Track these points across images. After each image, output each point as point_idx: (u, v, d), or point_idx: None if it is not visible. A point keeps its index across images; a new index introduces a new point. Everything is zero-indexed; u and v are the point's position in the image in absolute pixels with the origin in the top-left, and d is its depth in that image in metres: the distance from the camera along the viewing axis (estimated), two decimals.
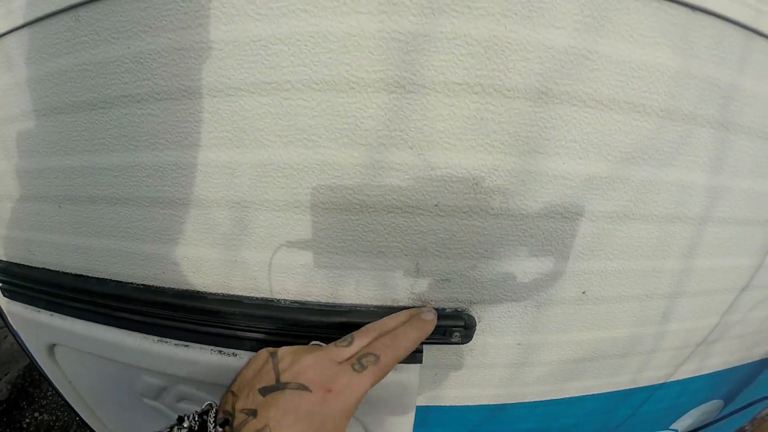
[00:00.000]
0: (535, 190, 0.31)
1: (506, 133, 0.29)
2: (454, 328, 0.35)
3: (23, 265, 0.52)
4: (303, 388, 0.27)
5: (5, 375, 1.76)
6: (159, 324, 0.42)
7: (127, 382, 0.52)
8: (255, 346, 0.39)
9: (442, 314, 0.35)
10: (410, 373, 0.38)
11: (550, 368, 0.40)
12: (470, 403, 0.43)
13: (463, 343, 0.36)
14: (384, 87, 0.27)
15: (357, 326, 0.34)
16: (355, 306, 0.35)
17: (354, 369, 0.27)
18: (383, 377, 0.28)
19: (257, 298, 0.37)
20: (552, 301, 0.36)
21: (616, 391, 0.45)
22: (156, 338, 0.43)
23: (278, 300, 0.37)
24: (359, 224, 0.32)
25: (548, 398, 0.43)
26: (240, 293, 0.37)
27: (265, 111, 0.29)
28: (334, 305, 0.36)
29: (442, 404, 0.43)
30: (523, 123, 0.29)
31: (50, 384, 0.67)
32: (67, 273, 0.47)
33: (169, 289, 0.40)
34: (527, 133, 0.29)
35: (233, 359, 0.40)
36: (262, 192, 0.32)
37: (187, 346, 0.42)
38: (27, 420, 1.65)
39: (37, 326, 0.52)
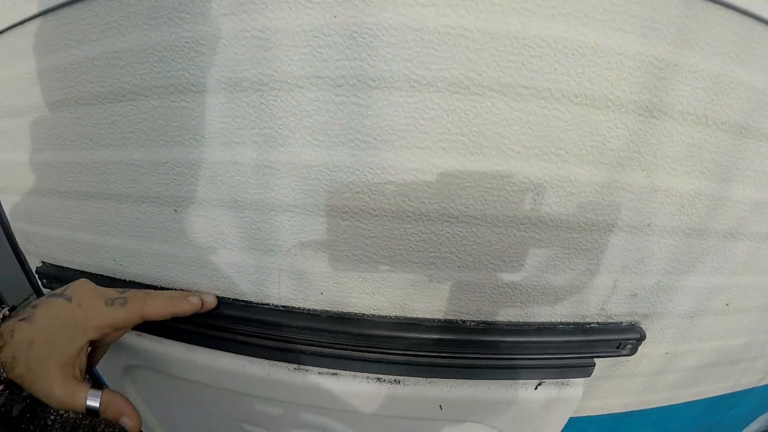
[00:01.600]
0: (721, 214, 0.34)
1: (713, 162, 0.32)
2: (628, 341, 0.36)
3: (111, 277, 0.44)
4: (68, 299, 0.36)
5: None
6: (301, 351, 0.38)
7: (226, 408, 0.46)
8: (429, 371, 0.37)
9: (619, 328, 0.37)
10: (577, 387, 0.39)
11: (680, 375, 0.44)
12: (603, 413, 0.45)
13: (630, 355, 0.37)
14: (634, 109, 0.29)
15: (547, 344, 0.34)
16: (545, 324, 0.35)
17: (105, 303, 0.36)
18: (123, 321, 0.36)
19: (439, 320, 0.35)
20: (702, 312, 0.39)
21: (717, 396, 0.50)
22: (293, 366, 0.39)
23: (464, 321, 0.35)
24: (577, 242, 0.32)
25: (666, 404, 0.46)
26: (420, 315, 0.35)
27: (515, 117, 0.28)
28: (525, 323, 0.35)
29: (578, 415, 0.44)
30: (725, 153, 0.32)
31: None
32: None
33: (323, 311, 0.36)
34: (726, 162, 0.32)
35: (395, 387, 0.37)
36: (484, 206, 0.31)
37: (335, 374, 0.38)
38: (52, 417, 1.59)
39: (116, 347, 0.43)
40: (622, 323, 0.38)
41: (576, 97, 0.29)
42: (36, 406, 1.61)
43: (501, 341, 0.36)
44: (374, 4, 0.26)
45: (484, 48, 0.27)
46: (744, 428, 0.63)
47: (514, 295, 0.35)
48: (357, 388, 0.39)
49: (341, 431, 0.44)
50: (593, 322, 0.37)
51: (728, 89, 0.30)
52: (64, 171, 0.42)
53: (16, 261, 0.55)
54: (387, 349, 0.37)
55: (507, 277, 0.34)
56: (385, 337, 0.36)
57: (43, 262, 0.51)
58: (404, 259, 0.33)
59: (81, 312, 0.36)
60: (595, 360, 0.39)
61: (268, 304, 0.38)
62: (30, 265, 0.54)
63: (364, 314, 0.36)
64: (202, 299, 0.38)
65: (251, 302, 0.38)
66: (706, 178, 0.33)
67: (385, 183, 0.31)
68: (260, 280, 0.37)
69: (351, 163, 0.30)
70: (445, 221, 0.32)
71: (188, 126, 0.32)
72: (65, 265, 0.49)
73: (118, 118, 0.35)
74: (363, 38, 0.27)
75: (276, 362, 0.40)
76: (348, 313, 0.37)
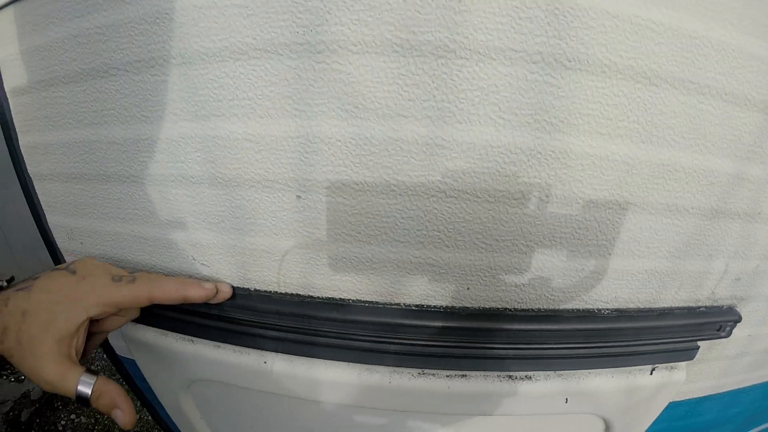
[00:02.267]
0: None
1: None
2: (727, 323, 0.39)
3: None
4: (72, 272, 0.35)
5: None
6: (430, 354, 0.35)
7: (319, 424, 0.41)
8: (561, 364, 0.36)
9: (722, 311, 0.40)
10: (681, 371, 0.41)
11: (754, 358, 0.49)
12: (684, 398, 0.48)
13: (727, 337, 0.40)
14: (764, 108, 0.31)
15: (670, 328, 0.35)
16: (668, 309, 0.37)
17: (112, 278, 0.35)
18: (128, 299, 0.34)
19: (576, 310, 0.35)
20: None
21: None
22: (417, 371, 0.36)
23: (599, 310, 0.35)
24: (708, 228, 0.34)
25: (735, 388, 0.51)
26: (557, 306, 0.34)
27: (680, 110, 0.29)
28: (650, 309, 0.36)
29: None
30: None
31: (157, 419, 0.56)
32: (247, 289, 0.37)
33: (463, 308, 0.34)
34: None
35: (527, 384, 0.36)
36: (649, 194, 0.31)
37: (464, 375, 0.36)
38: (63, 422, 1.52)
39: (179, 359, 0.36)
40: (723, 306, 0.41)
41: (726, 95, 0.31)
42: (46, 411, 1.51)
43: (631, 327, 0.37)
44: None
45: (665, 42, 0.29)
46: None
47: (648, 282, 0.36)
48: (488, 389, 0.37)
49: None
50: (703, 306, 0.40)
51: None
52: (125, 151, 0.34)
53: (52, 263, 0.43)
54: (523, 344, 0.35)
55: (646, 264, 0.35)
56: (524, 331, 0.35)
57: None
58: (563, 248, 0.32)
59: (84, 285, 0.34)
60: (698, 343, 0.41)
61: (398, 304, 0.34)
62: None
63: (506, 308, 0.35)
64: (216, 286, 0.36)
65: (377, 303, 0.34)
66: None
67: (564, 168, 0.29)
68: (394, 277, 0.33)
69: (534, 146, 0.29)
70: (609, 209, 0.32)
71: (342, 92, 0.28)
72: (112, 263, 0.40)
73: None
74: (564, 17, 0.27)
75: (397, 368, 0.36)
76: (491, 308, 0.34)
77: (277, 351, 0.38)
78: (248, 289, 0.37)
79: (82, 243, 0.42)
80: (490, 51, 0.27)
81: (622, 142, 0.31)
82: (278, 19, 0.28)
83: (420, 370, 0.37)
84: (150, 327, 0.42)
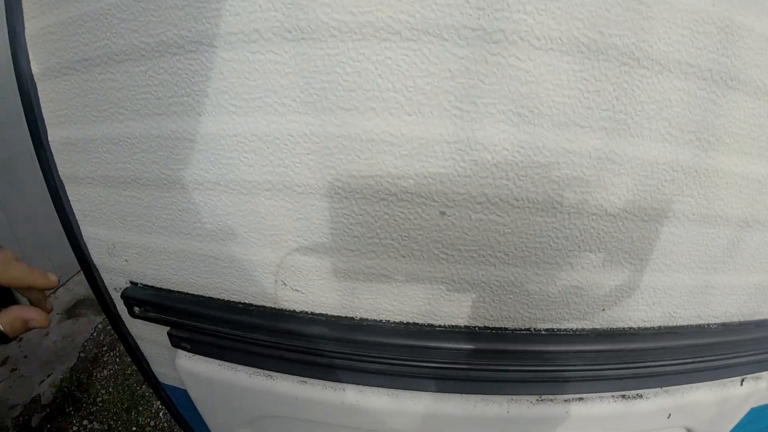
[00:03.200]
0: None
1: None
2: None
3: (239, 304, 0.33)
4: None
5: (48, 376, 1.58)
6: (552, 378, 0.33)
7: None
8: (670, 380, 0.36)
9: None
10: (763, 378, 0.43)
11: None
12: (763, 403, 0.50)
13: None
14: None
15: (762, 339, 0.37)
16: (762, 321, 0.38)
17: None
18: None
19: (681, 327, 0.35)
20: None
21: None
22: (535, 398, 0.34)
23: (708, 325, 0.36)
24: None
25: None
26: (680, 323, 0.34)
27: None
28: (748, 322, 0.38)
29: None
30: None
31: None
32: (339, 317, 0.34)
33: (592, 330, 0.33)
34: None
35: (638, 402, 0.36)
36: None
37: (581, 398, 0.34)
38: (75, 428, 1.46)
39: (256, 395, 0.32)
40: None
41: None
42: (57, 416, 1.44)
43: (733, 340, 0.38)
44: (743, 6, 0.25)
45: None
46: None
47: (753, 295, 0.38)
48: (604, 410, 0.36)
49: None
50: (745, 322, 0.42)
51: None
52: (202, 150, 0.28)
53: (85, 281, 0.34)
54: (639, 362, 0.35)
55: (755, 277, 0.36)
56: (642, 350, 0.34)
57: (132, 282, 0.33)
58: (695, 265, 0.32)
59: None
60: None
61: (528, 330, 0.31)
62: (108, 285, 0.36)
63: (631, 327, 0.33)
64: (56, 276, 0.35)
65: (506, 329, 0.31)
66: None
67: (712, 187, 0.29)
68: (533, 302, 0.30)
69: (692, 164, 0.29)
70: (739, 226, 0.32)
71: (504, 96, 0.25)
72: (167, 286, 0.33)
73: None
74: (732, 35, 0.27)
75: (515, 396, 0.33)
76: (617, 329, 0.33)
77: (382, 386, 0.34)
78: (353, 318, 0.32)
79: (126, 261, 0.34)
80: (670, 63, 0.26)
81: (759, 162, 0.31)
82: None
83: (538, 396, 0.35)
84: (214, 360, 0.35)
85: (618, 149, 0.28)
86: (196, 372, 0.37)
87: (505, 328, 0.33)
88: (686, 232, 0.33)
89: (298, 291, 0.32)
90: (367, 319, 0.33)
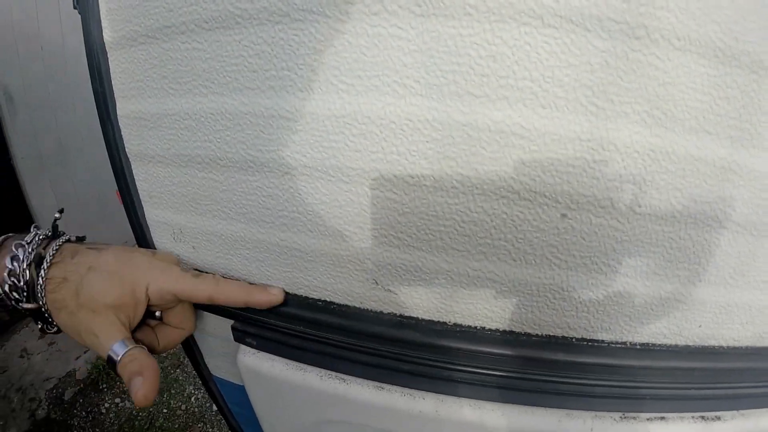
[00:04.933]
0: None
1: None
2: None
3: (319, 301, 0.32)
4: (146, 252, 0.36)
5: (84, 353, 1.57)
6: (642, 396, 0.32)
7: None
8: (747, 403, 0.35)
9: None
10: None
11: None
12: None
13: None
14: None
15: None
16: None
17: (180, 267, 0.36)
18: (186, 292, 0.34)
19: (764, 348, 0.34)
20: None
21: None
22: (619, 414, 0.33)
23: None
24: None
25: None
26: (753, 344, 0.34)
27: None
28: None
29: None
30: None
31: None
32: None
33: (685, 347, 0.32)
34: None
35: (716, 424, 0.35)
36: None
37: (663, 418, 0.34)
38: (107, 405, 1.44)
39: (325, 398, 0.31)
40: None
41: None
42: (90, 392, 1.47)
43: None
44: None
45: None
46: None
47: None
48: (682, 430, 0.34)
49: None
50: None
51: None
52: (292, 129, 0.26)
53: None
54: (719, 382, 0.34)
55: None
56: (722, 370, 0.33)
57: (197, 269, 0.32)
58: (747, 282, 0.31)
59: (155, 266, 0.34)
60: None
61: (624, 343, 0.30)
62: None
63: (721, 346, 0.33)
64: (279, 290, 0.34)
65: (602, 342, 0.30)
66: None
67: (739, 187, 0.28)
68: (640, 312, 0.29)
69: (730, 159, 0.27)
70: None
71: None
72: (237, 276, 0.32)
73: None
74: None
75: (599, 412, 0.32)
76: (696, 347, 0.32)
77: (465, 396, 0.31)
78: (446, 323, 0.30)
79: (194, 247, 0.31)
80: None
81: None
82: None
83: (622, 414, 0.34)
84: (282, 358, 0.32)
85: (740, 160, 0.27)
86: (259, 370, 0.34)
87: (602, 341, 0.31)
88: (737, 241, 0.32)
89: (390, 291, 0.30)
90: (461, 325, 0.31)
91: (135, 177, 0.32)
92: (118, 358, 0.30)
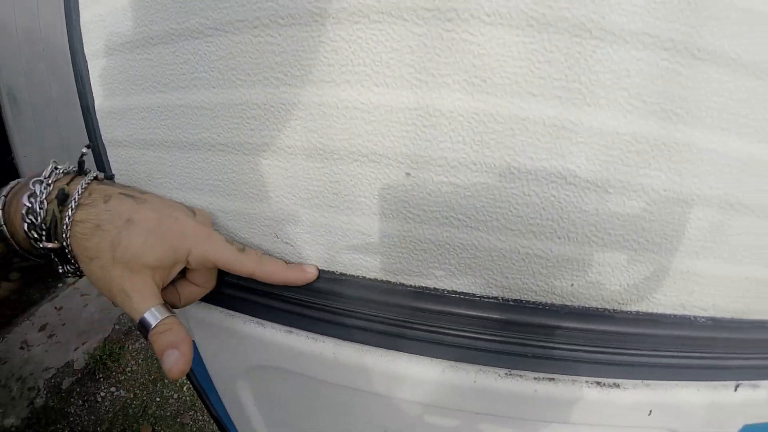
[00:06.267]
0: None
1: None
2: None
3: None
4: (192, 213, 0.34)
5: (83, 344, 1.67)
6: (522, 353, 0.34)
7: (375, 417, 0.38)
8: (651, 373, 0.34)
9: None
10: (762, 388, 0.39)
11: None
12: (763, 421, 0.46)
13: None
14: None
15: (757, 342, 0.35)
16: (759, 322, 0.36)
17: (225, 239, 0.34)
18: (230, 264, 0.33)
19: (672, 316, 0.34)
20: None
21: None
22: (504, 371, 0.34)
23: (695, 317, 0.34)
24: None
25: None
26: (660, 311, 0.33)
27: None
28: (741, 321, 0.35)
29: None
30: None
31: (203, 398, 0.52)
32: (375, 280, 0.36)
33: (563, 306, 0.33)
34: None
35: (614, 392, 0.34)
36: (762, 197, 0.31)
37: (552, 379, 0.34)
38: (102, 394, 1.55)
39: (246, 344, 0.35)
40: None
41: None
42: (87, 381, 1.55)
43: (725, 338, 0.35)
44: None
45: None
46: None
47: (747, 291, 0.35)
48: (576, 395, 0.35)
49: None
50: None
51: None
52: (214, 116, 0.33)
53: None
54: (616, 348, 0.34)
55: (749, 271, 0.34)
56: (619, 334, 0.33)
57: None
58: (669, 247, 0.32)
59: (201, 231, 0.32)
60: None
61: (496, 298, 0.33)
62: None
63: (606, 309, 0.33)
64: (315, 267, 0.35)
65: (473, 295, 0.33)
66: None
67: (684, 162, 0.29)
68: (495, 267, 0.32)
69: (659, 136, 0.28)
70: (721, 208, 0.31)
71: (465, 66, 0.27)
72: None
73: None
74: (695, 3, 0.26)
75: (485, 367, 0.34)
76: (592, 308, 0.33)
77: (356, 341, 0.36)
78: (334, 272, 0.35)
79: None
80: (625, 34, 0.27)
81: (741, 140, 0.30)
82: None
83: (508, 371, 0.35)
84: (217, 307, 0.40)
85: (573, 118, 0.28)
86: (201, 318, 0.41)
87: (473, 294, 0.33)
88: (659, 209, 0.31)
89: (287, 243, 0.35)
90: (345, 274, 0.35)
91: (109, 158, 0.40)
92: (153, 326, 0.29)
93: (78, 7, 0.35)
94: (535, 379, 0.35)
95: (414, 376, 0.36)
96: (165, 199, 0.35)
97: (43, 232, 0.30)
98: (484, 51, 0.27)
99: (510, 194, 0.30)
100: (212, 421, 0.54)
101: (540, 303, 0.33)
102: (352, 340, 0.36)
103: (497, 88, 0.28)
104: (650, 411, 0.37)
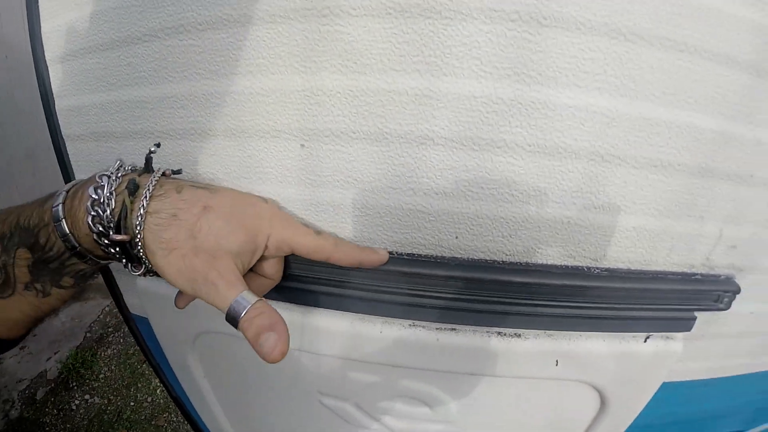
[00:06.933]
0: None
1: None
2: (725, 294, 0.40)
3: None
4: (264, 199, 0.36)
5: (55, 353, 1.71)
6: (420, 305, 0.38)
7: (305, 378, 0.43)
8: (552, 322, 0.38)
9: (719, 280, 0.41)
10: (678, 342, 0.42)
11: (758, 341, 0.49)
12: (684, 378, 0.48)
13: (725, 309, 0.41)
14: (747, 68, 0.34)
15: (662, 293, 0.37)
16: (660, 273, 0.38)
17: (302, 223, 0.36)
18: (308, 249, 0.34)
19: (567, 267, 0.37)
20: None
21: None
22: (408, 322, 0.38)
23: (589, 268, 0.37)
24: (695, 187, 0.36)
25: (740, 373, 0.50)
26: (548, 261, 0.36)
27: (658, 65, 0.33)
28: (643, 272, 0.38)
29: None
30: None
31: (161, 377, 0.58)
32: None
33: (452, 258, 0.37)
34: None
35: (516, 341, 0.38)
36: (627, 146, 0.34)
37: (454, 329, 0.38)
38: (77, 402, 1.61)
39: (187, 311, 0.40)
40: (720, 276, 0.42)
41: (706, 53, 0.33)
42: (61, 390, 1.60)
43: (622, 288, 0.38)
44: None
45: (642, 1, 0.32)
46: None
47: (638, 241, 0.38)
48: (477, 344, 0.38)
49: (441, 401, 0.43)
50: (698, 273, 0.41)
51: None
52: (152, 108, 0.40)
53: None
54: (512, 299, 0.37)
55: (634, 220, 0.37)
56: (512, 284, 0.37)
57: None
58: (547, 199, 0.35)
59: (278, 216, 0.33)
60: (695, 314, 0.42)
61: (391, 253, 0.37)
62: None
63: (495, 260, 0.37)
64: (385, 251, 0.36)
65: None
66: None
67: (543, 118, 0.33)
68: (385, 224, 0.36)
69: (514, 97, 0.32)
70: (591, 160, 0.34)
71: (339, 51, 0.33)
72: None
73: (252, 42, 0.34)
74: None
75: (389, 319, 0.39)
76: (480, 260, 0.37)
77: (275, 299, 0.41)
78: None
79: None
80: (472, 11, 0.31)
81: (600, 95, 0.33)
82: None
83: (411, 322, 0.40)
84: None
85: (433, 87, 0.32)
86: (150, 291, 0.46)
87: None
88: (526, 164, 0.34)
89: None
90: None
91: (69, 152, 0.47)
92: (244, 312, 0.28)
93: (39, 18, 0.43)
94: (437, 329, 0.39)
95: (329, 329, 0.40)
96: (235, 189, 0.35)
97: (111, 225, 0.29)
98: (353, 38, 0.32)
99: (386, 156, 0.34)
100: (186, 422, 0.59)
101: (429, 256, 0.37)
102: (270, 299, 0.42)
103: (366, 67, 0.32)
104: (556, 361, 0.40)
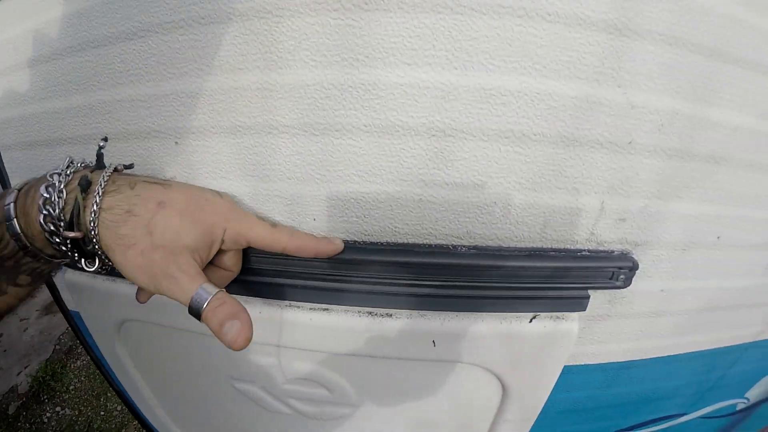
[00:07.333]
0: (701, 136, 0.37)
1: (687, 82, 0.35)
2: (621, 270, 0.38)
3: None
4: (219, 194, 0.36)
5: (25, 368, 1.75)
6: (293, 285, 0.40)
7: (216, 362, 0.46)
8: (421, 302, 0.38)
9: (611, 256, 0.39)
10: (572, 322, 0.40)
11: (677, 320, 0.45)
12: (602, 361, 0.45)
13: (624, 287, 0.39)
14: (605, 27, 0.33)
15: (540, 271, 0.36)
16: (537, 249, 0.37)
17: (257, 216, 0.36)
18: (265, 241, 0.35)
19: (430, 246, 0.37)
20: (693, 245, 0.41)
21: (716, 350, 0.51)
22: (286, 302, 0.40)
23: (455, 246, 0.37)
24: (561, 158, 0.35)
25: (664, 354, 0.47)
26: (411, 240, 0.37)
27: (494, 34, 0.33)
28: (516, 249, 0.37)
29: (576, 363, 0.45)
30: (699, 75, 0.35)
31: (103, 372, 0.62)
32: None
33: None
34: (700, 84, 0.35)
35: (388, 321, 0.39)
36: (469, 119, 0.34)
37: (327, 309, 0.40)
38: (48, 414, 1.64)
39: (108, 300, 0.45)
40: (613, 251, 0.40)
41: (550, 15, 0.33)
42: (32, 404, 1.66)
43: (492, 266, 0.37)
44: None
45: None
46: (747, 391, 0.62)
47: (503, 216, 0.37)
48: (349, 325, 0.40)
49: (335, 383, 0.44)
50: (584, 249, 0.39)
51: (695, 13, 0.34)
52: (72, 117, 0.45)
53: None
54: (378, 278, 0.39)
55: (494, 195, 0.36)
56: (375, 263, 0.38)
57: None
58: (394, 177, 0.36)
59: (234, 211, 0.34)
60: (591, 294, 0.40)
61: None
62: None
63: (355, 241, 0.39)
64: (340, 240, 0.37)
65: None
66: (681, 97, 0.36)
67: (375, 99, 0.34)
68: (254, 209, 0.39)
69: (344, 81, 0.34)
70: (432, 135, 0.35)
71: (195, 57, 0.36)
72: None
73: (128, 56, 0.38)
74: None
75: (267, 300, 0.42)
76: (350, 241, 0.39)
77: None
78: None
79: None
80: (298, 6, 0.34)
81: (432, 70, 0.33)
82: None
83: (288, 303, 0.42)
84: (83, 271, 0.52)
85: (271, 80, 0.34)
86: (74, 284, 0.49)
87: None
88: (366, 144, 0.35)
89: None
90: None
91: (3, 161, 0.50)
92: (205, 304, 0.28)
93: None
94: (310, 309, 0.41)
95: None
96: (190, 184, 0.36)
97: (61, 223, 0.29)
98: (205, 45, 0.34)
99: (242, 147, 0.37)
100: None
101: None
102: None
103: (216, 68, 0.35)
104: (433, 342, 0.40)
